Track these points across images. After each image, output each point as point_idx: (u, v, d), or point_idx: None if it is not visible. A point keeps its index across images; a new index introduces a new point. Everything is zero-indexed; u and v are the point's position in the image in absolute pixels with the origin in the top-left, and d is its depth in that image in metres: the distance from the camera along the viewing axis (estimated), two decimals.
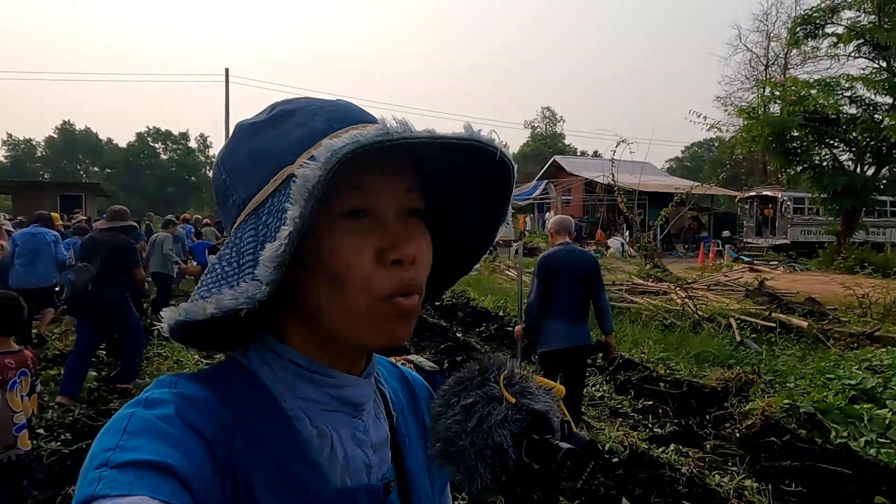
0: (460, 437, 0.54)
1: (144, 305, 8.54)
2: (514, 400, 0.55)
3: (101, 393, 5.70)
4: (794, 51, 22.38)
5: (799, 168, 18.39)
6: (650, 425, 5.05)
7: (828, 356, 6.48)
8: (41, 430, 4.49)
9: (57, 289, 7.64)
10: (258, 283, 0.50)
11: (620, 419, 5.15)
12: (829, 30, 17.92)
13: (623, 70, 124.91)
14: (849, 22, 17.51)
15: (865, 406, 4.89)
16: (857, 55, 18.06)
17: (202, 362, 6.43)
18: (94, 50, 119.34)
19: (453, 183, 0.65)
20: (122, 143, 70.58)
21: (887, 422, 4.63)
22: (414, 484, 0.68)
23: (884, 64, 17.48)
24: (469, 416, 0.54)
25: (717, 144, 50.12)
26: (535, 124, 70.92)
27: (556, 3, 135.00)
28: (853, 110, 17.58)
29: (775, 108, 18.54)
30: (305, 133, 0.56)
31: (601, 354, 6.53)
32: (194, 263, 11.69)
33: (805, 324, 7.80)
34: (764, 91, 19.97)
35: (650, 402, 5.55)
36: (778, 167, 19.89)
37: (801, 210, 21.96)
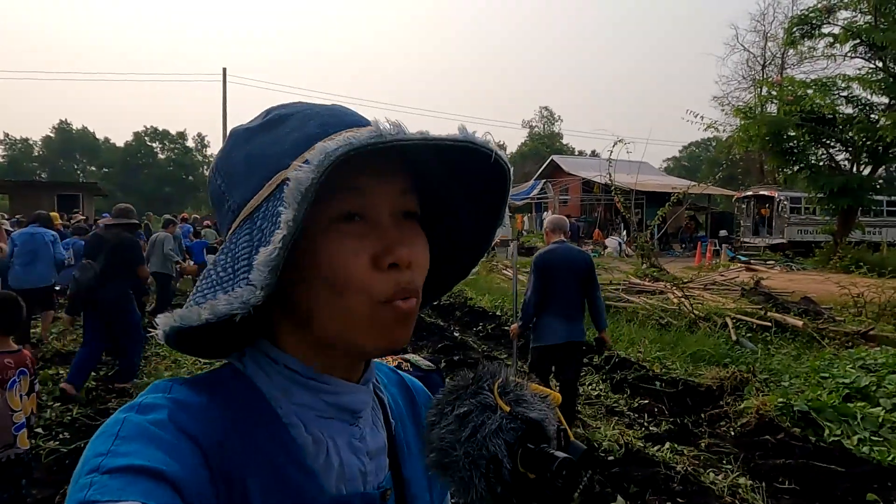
0: (454, 448, 0.53)
1: (146, 304, 8.55)
2: (508, 408, 0.54)
3: (100, 392, 5.71)
4: (791, 51, 22.48)
5: (795, 168, 18.44)
6: (646, 424, 5.08)
7: (822, 355, 6.52)
8: (39, 430, 4.50)
9: (57, 288, 7.66)
10: (253, 288, 0.50)
11: (616, 418, 5.18)
12: (825, 30, 17.98)
13: (622, 70, 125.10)
14: (845, 22, 17.55)
15: (859, 404, 4.92)
16: (853, 55, 18.12)
17: (200, 362, 6.45)
18: (91, 49, 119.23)
19: (448, 184, 0.64)
20: (120, 143, 70.58)
21: (880, 420, 4.67)
22: (412, 492, 0.67)
23: (880, 64, 17.52)
24: (463, 426, 0.53)
25: (714, 144, 50.22)
26: (533, 124, 71.01)
27: (556, 3, 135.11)
28: (849, 110, 17.62)
29: (772, 108, 18.60)
30: (300, 137, 0.55)
31: (598, 354, 6.57)
32: (191, 263, 11.70)
33: (800, 323, 7.84)
34: (761, 91, 20.01)
35: (646, 401, 5.58)
36: (775, 167, 19.96)
37: (798, 210, 22.03)
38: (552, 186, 31.11)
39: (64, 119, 74.61)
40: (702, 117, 17.32)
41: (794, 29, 18.36)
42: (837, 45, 17.78)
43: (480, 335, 8.62)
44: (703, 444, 4.58)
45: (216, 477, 0.51)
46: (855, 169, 18.01)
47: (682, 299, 8.93)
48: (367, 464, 0.62)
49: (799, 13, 19.06)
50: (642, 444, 4.51)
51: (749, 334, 7.76)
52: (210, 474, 0.50)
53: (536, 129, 70.03)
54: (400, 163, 0.58)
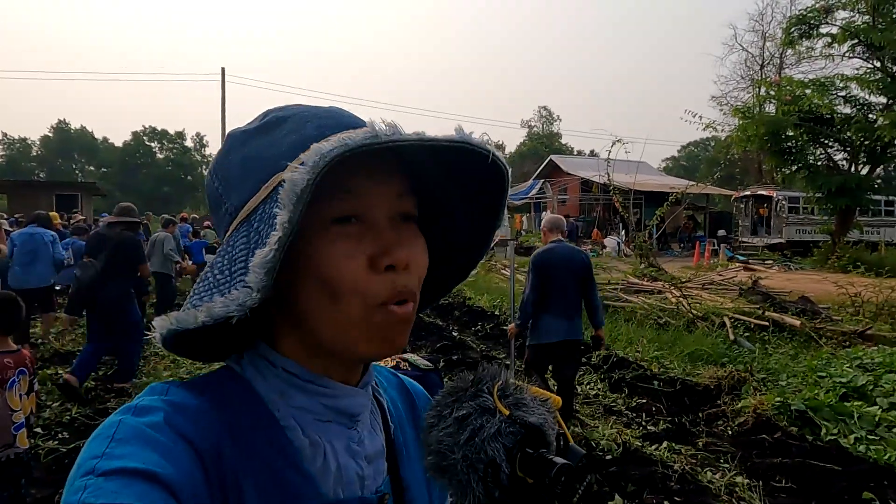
0: (452, 451, 0.52)
1: (146, 304, 8.56)
2: (507, 412, 0.53)
3: (99, 392, 5.72)
4: (789, 51, 22.52)
5: (794, 167, 18.49)
6: (643, 423, 5.10)
7: (820, 354, 6.54)
8: (38, 429, 4.52)
9: (58, 288, 7.67)
10: (249, 290, 0.49)
11: (614, 417, 5.20)
12: (823, 30, 18.03)
13: (621, 70, 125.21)
14: (843, 22, 17.60)
15: (856, 403, 4.94)
16: (851, 55, 18.17)
17: (199, 363, 6.45)
18: (90, 49, 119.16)
19: (444, 185, 0.63)
20: (118, 143, 70.61)
21: (877, 419, 4.69)
22: (411, 496, 0.66)
23: (878, 64, 17.56)
24: (461, 429, 0.53)
25: (713, 144, 50.24)
26: (532, 124, 71.03)
27: (556, 4, 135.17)
28: (847, 110, 17.67)
29: (770, 108, 18.65)
30: (297, 139, 0.55)
31: (594, 350, 6.58)
32: (190, 262, 11.70)
33: (798, 322, 7.86)
34: (759, 91, 20.06)
35: (644, 400, 5.60)
36: (773, 167, 20.04)
37: (796, 209, 22.07)
38: (551, 186, 31.14)
39: (62, 119, 74.70)
40: (700, 117, 17.40)
41: (793, 29, 18.41)
42: (835, 45, 17.83)
43: (479, 335, 8.63)
44: (700, 443, 4.60)
45: (212, 480, 0.51)
46: (853, 169, 18.05)
47: (681, 299, 8.95)
48: (365, 468, 0.62)
49: (797, 13, 19.08)
50: (640, 444, 4.53)
51: (747, 334, 7.78)
52: (206, 477, 0.50)
53: (535, 128, 70.09)
54: (397, 164, 0.58)
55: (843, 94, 17.72)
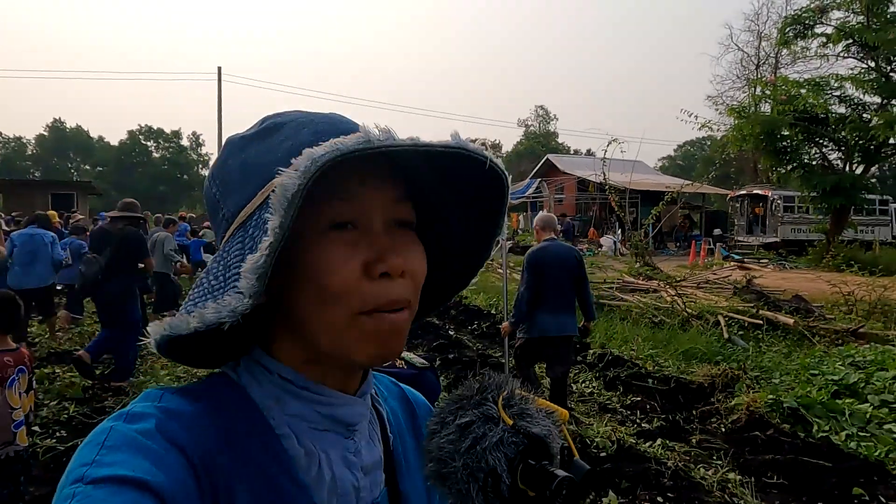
0: (453, 458, 0.52)
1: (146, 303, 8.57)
2: (511, 422, 0.52)
3: (96, 391, 5.74)
4: (785, 51, 22.55)
5: (789, 167, 18.58)
6: (638, 420, 5.15)
7: (812, 352, 6.59)
8: (37, 428, 4.54)
9: (59, 288, 7.68)
10: (241, 296, 0.49)
11: (609, 415, 5.25)
12: (818, 30, 18.13)
13: (619, 69, 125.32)
14: (838, 22, 17.70)
15: (847, 401, 5.00)
16: (845, 55, 18.26)
17: None
18: (86, 47, 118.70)
19: (438, 191, 0.63)
20: (114, 141, 70.17)
21: (868, 416, 4.74)
22: None
23: (872, 64, 17.66)
24: (464, 437, 0.52)
25: (708, 143, 50.36)
26: (529, 123, 71.06)
27: (555, 4, 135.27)
28: (842, 110, 17.77)
29: (766, 108, 18.70)
30: (293, 145, 0.54)
31: (581, 338, 6.60)
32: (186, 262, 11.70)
33: (791, 321, 7.91)
34: (755, 90, 20.14)
35: (638, 398, 5.65)
36: (768, 166, 20.06)
37: (791, 208, 22.16)
38: (547, 185, 31.20)
39: (58, 117, 74.01)
40: (696, 117, 17.49)
41: (788, 29, 18.49)
42: (830, 45, 17.94)
43: (475, 333, 8.67)
44: (694, 441, 4.65)
45: (204, 488, 0.50)
46: (848, 168, 18.14)
47: (675, 298, 9.00)
48: (361, 479, 0.61)
49: (792, 13, 19.19)
50: (634, 441, 4.57)
51: (741, 332, 7.83)
52: (198, 485, 0.49)
53: (532, 127, 70.09)
54: (392, 170, 0.58)
55: (837, 93, 17.82)
